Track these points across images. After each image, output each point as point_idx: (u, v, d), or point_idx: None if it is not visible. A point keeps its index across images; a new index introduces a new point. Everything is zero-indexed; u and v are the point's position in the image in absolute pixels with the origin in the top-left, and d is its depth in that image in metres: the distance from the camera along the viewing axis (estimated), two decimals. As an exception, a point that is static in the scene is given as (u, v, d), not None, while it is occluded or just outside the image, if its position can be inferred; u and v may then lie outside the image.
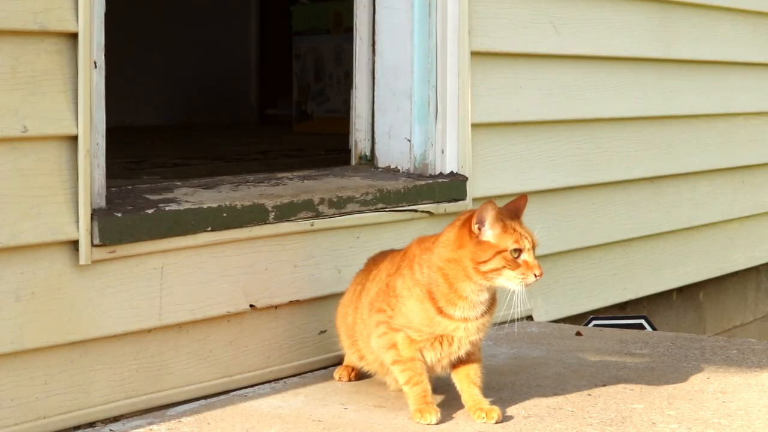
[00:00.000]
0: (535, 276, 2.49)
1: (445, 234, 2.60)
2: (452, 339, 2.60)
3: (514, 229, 2.52)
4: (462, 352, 2.63)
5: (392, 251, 2.86)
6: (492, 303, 2.62)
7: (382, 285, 2.69)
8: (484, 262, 2.51)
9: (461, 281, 2.54)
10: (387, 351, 2.65)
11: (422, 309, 2.59)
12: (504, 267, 2.50)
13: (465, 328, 2.58)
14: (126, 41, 6.51)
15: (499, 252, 2.50)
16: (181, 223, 2.75)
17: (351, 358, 2.91)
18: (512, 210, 2.59)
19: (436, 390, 2.74)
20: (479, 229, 2.52)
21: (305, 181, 3.27)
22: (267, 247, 2.97)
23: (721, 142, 4.76)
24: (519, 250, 2.50)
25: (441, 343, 2.61)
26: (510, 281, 2.51)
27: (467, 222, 2.55)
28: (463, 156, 3.53)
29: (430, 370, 2.67)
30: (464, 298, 2.56)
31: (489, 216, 2.51)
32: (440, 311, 2.57)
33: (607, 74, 4.15)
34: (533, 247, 2.52)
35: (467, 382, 2.64)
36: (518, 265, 2.50)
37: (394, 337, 2.64)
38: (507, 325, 3.72)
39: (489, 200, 2.52)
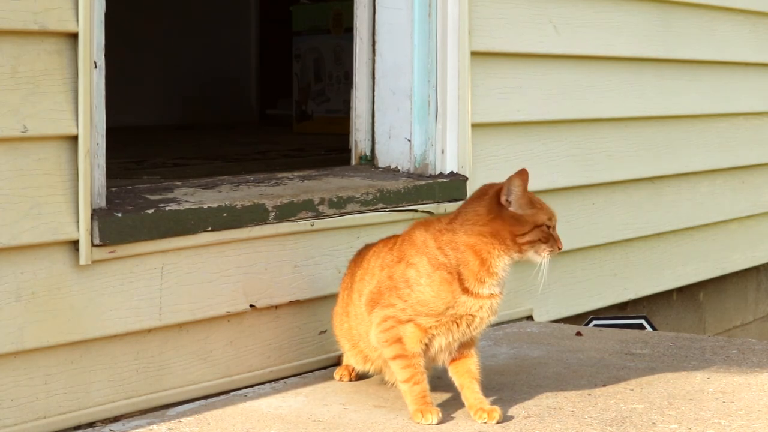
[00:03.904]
0: (558, 249, 2.63)
1: (470, 210, 2.62)
2: (472, 319, 2.61)
3: (542, 204, 2.63)
4: (478, 332, 2.65)
5: (370, 247, 2.85)
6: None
7: (383, 279, 2.67)
8: (523, 234, 2.59)
9: (495, 256, 2.58)
10: (390, 345, 2.64)
11: (449, 291, 2.58)
12: (539, 240, 2.60)
13: (489, 306, 2.61)
14: (126, 41, 6.52)
15: (537, 226, 2.60)
16: (181, 223, 2.75)
17: (354, 362, 2.90)
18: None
19: (435, 389, 2.74)
20: (508, 201, 2.59)
21: (305, 181, 3.27)
22: (267, 247, 2.97)
23: (721, 142, 4.76)
24: (550, 225, 2.62)
25: (459, 325, 2.61)
26: (540, 254, 2.61)
27: (496, 195, 2.59)
28: (463, 156, 3.53)
29: (432, 360, 2.67)
30: (494, 274, 2.59)
31: (518, 188, 2.59)
32: (466, 291, 2.59)
33: (607, 74, 4.15)
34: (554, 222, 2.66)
35: (468, 377, 2.65)
36: (549, 238, 2.61)
37: (400, 331, 2.62)
38: (507, 325, 3.73)
39: (522, 169, 2.59)
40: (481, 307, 2.60)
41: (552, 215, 2.63)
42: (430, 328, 2.61)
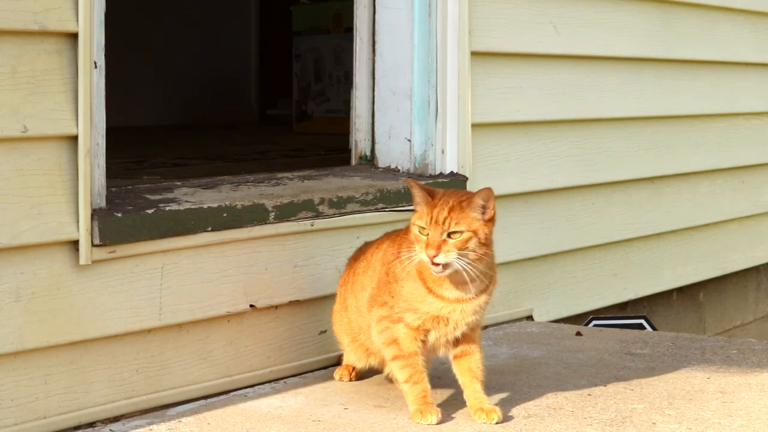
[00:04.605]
0: (428, 256, 2.49)
1: None
2: (447, 320, 2.60)
3: (431, 207, 2.53)
4: (458, 332, 2.63)
5: (370, 244, 2.86)
6: (489, 281, 2.61)
7: (382, 276, 2.69)
8: (410, 232, 2.58)
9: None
10: (388, 347, 2.65)
11: (416, 288, 2.59)
12: (415, 241, 2.55)
13: (461, 310, 2.59)
14: (126, 41, 6.51)
15: (413, 224, 2.56)
16: (181, 223, 2.75)
17: (355, 358, 2.90)
18: (462, 192, 2.59)
19: (435, 389, 2.74)
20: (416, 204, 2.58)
21: (305, 181, 3.27)
22: (267, 247, 2.97)
23: (721, 142, 4.76)
24: (422, 227, 2.53)
25: (438, 323, 2.61)
26: (417, 255, 2.54)
27: None
28: (463, 156, 3.53)
29: (432, 350, 2.67)
30: (441, 277, 2.55)
31: (412, 191, 2.57)
32: (430, 290, 2.58)
33: (607, 74, 4.15)
34: (439, 226, 2.50)
35: (469, 376, 2.64)
36: (420, 241, 2.53)
37: (395, 332, 2.63)
38: (507, 325, 3.73)
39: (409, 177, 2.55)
40: (453, 310, 2.59)
41: (423, 216, 2.52)
42: (419, 326, 2.61)
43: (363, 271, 2.79)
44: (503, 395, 2.82)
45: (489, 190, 2.56)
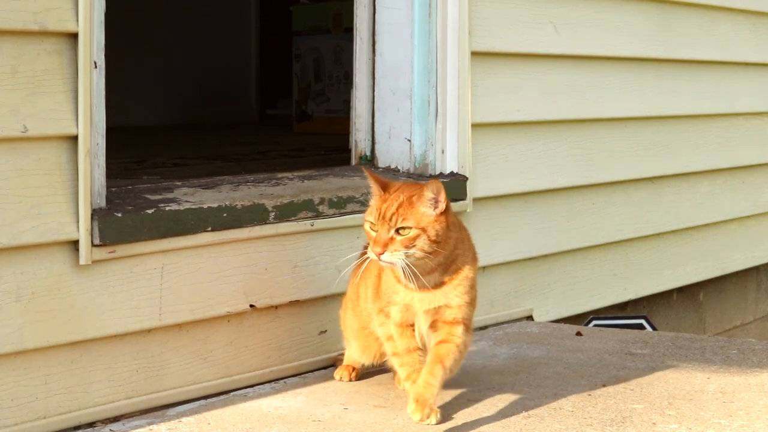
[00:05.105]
0: (374, 254, 2.46)
1: None
2: (414, 310, 2.58)
3: (381, 201, 2.50)
4: (425, 321, 2.58)
5: None
6: (454, 272, 2.55)
7: (381, 268, 2.68)
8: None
9: None
10: (387, 342, 2.67)
11: (389, 279, 2.59)
12: (367, 238, 2.52)
13: (420, 299, 2.55)
14: (126, 41, 6.52)
15: (364, 220, 2.53)
16: (181, 223, 2.75)
17: (362, 347, 2.86)
18: (415, 186, 2.55)
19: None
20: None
21: (305, 181, 3.27)
22: (267, 247, 2.97)
23: (721, 142, 4.76)
24: (373, 223, 2.50)
25: (412, 313, 2.60)
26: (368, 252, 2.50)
27: None
28: (463, 156, 3.53)
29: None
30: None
31: (369, 182, 2.55)
32: (398, 280, 2.57)
33: (607, 74, 4.15)
34: (386, 223, 2.47)
35: (434, 358, 2.55)
36: (370, 238, 2.50)
37: (389, 329, 2.63)
38: (507, 325, 3.73)
39: (365, 166, 2.54)
40: (412, 298, 2.57)
41: (373, 212, 2.50)
42: (403, 320, 2.60)
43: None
44: (503, 395, 2.82)
45: (438, 182, 2.50)
